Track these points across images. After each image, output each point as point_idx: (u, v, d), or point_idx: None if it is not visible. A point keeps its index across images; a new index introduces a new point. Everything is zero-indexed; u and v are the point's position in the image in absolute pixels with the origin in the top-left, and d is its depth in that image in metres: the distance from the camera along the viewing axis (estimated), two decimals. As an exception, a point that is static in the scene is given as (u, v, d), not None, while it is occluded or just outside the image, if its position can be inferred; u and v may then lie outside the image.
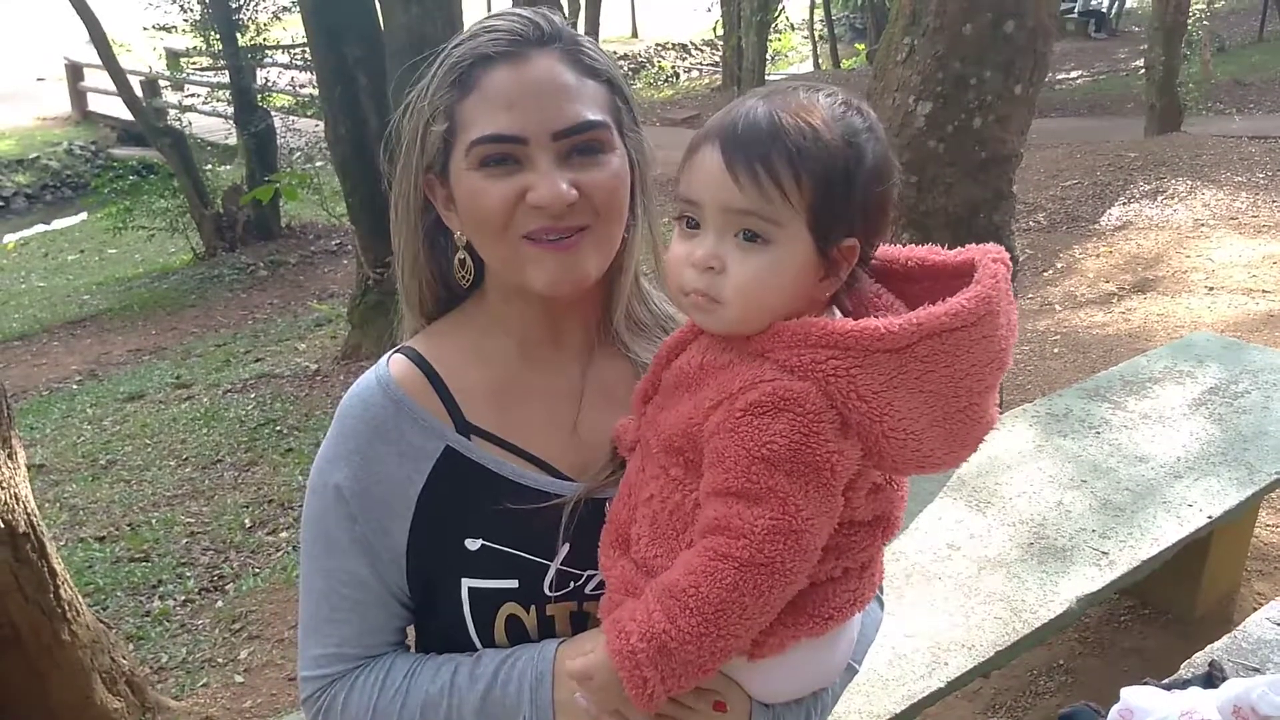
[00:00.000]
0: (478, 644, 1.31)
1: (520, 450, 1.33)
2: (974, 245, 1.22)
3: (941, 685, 2.73)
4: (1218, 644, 2.60)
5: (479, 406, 1.34)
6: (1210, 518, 3.40)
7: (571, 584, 1.30)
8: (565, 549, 1.29)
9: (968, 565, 3.22)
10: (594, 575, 1.30)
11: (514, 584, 1.29)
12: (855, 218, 1.15)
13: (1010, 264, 1.17)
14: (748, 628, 1.13)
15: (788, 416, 1.09)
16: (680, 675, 1.13)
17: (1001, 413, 4.42)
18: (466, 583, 1.29)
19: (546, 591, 1.30)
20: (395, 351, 1.37)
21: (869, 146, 1.14)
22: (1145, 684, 2.12)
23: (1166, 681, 2.22)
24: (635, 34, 32.78)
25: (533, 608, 1.30)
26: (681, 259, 1.17)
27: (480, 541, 1.29)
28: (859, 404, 1.09)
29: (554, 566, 1.29)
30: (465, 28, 1.31)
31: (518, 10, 1.28)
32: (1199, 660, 2.50)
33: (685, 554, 1.15)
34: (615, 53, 29.55)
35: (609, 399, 1.36)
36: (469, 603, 1.30)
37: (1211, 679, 2.20)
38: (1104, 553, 3.23)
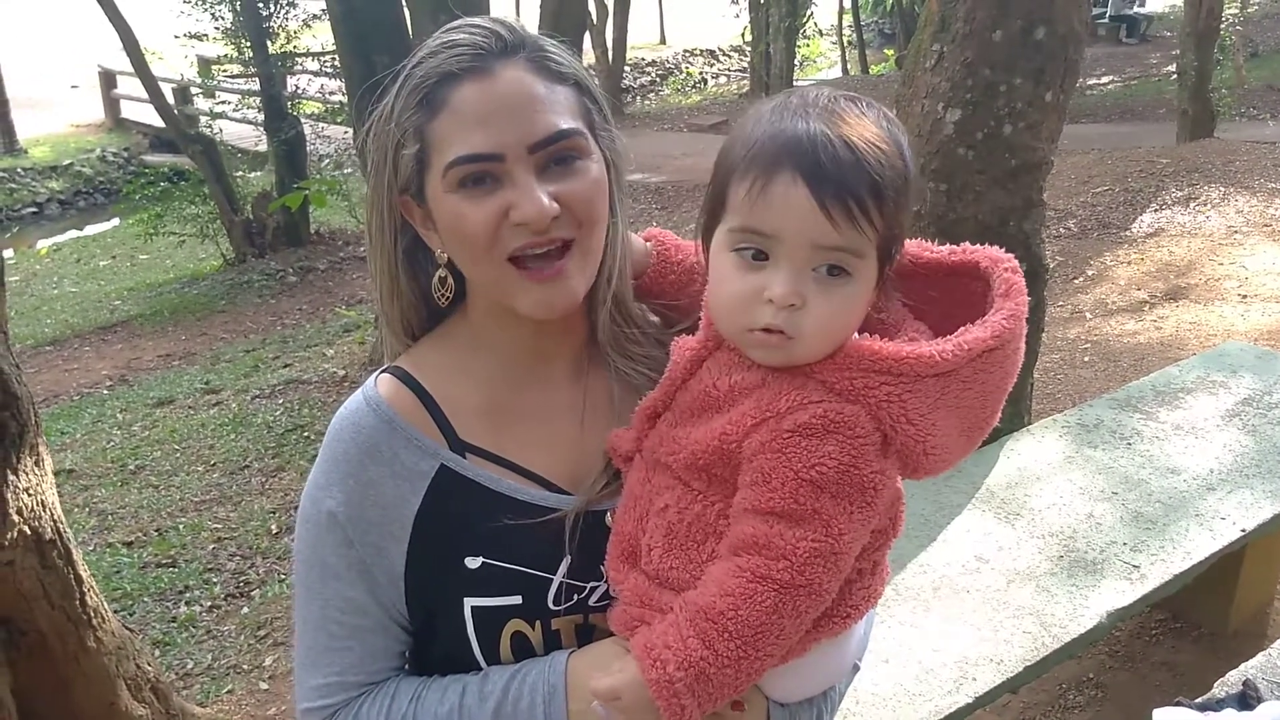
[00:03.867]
0: (483, 663, 1.29)
1: (516, 465, 1.31)
2: (973, 247, 1.24)
3: (969, 700, 2.70)
4: (1252, 662, 2.55)
5: (471, 424, 1.32)
6: (1244, 531, 3.36)
7: (575, 597, 1.29)
8: (567, 562, 1.28)
9: (996, 578, 3.18)
10: (597, 587, 1.30)
11: (518, 600, 1.27)
12: (905, 232, 1.16)
13: (1020, 271, 1.19)
14: (783, 646, 1.14)
15: (837, 439, 1.09)
16: (715, 698, 1.14)
17: (1031, 422, 4.40)
18: (469, 602, 1.27)
19: (551, 605, 1.28)
20: (382, 372, 1.35)
21: (910, 158, 1.14)
22: (1178, 704, 2.08)
23: (1199, 701, 2.18)
24: (663, 40, 32.85)
25: (538, 623, 1.28)
26: (751, 295, 1.12)
27: (481, 559, 1.27)
28: (907, 427, 1.11)
29: (557, 580, 1.28)
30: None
31: (477, 21, 1.24)
32: (1233, 679, 2.45)
33: (717, 573, 1.14)
34: (643, 59, 29.82)
35: (602, 410, 1.35)
36: (473, 622, 1.28)
37: (1246, 699, 2.16)
38: (1135, 566, 3.19)
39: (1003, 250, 1.21)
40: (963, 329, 1.12)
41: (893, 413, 1.10)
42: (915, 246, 1.26)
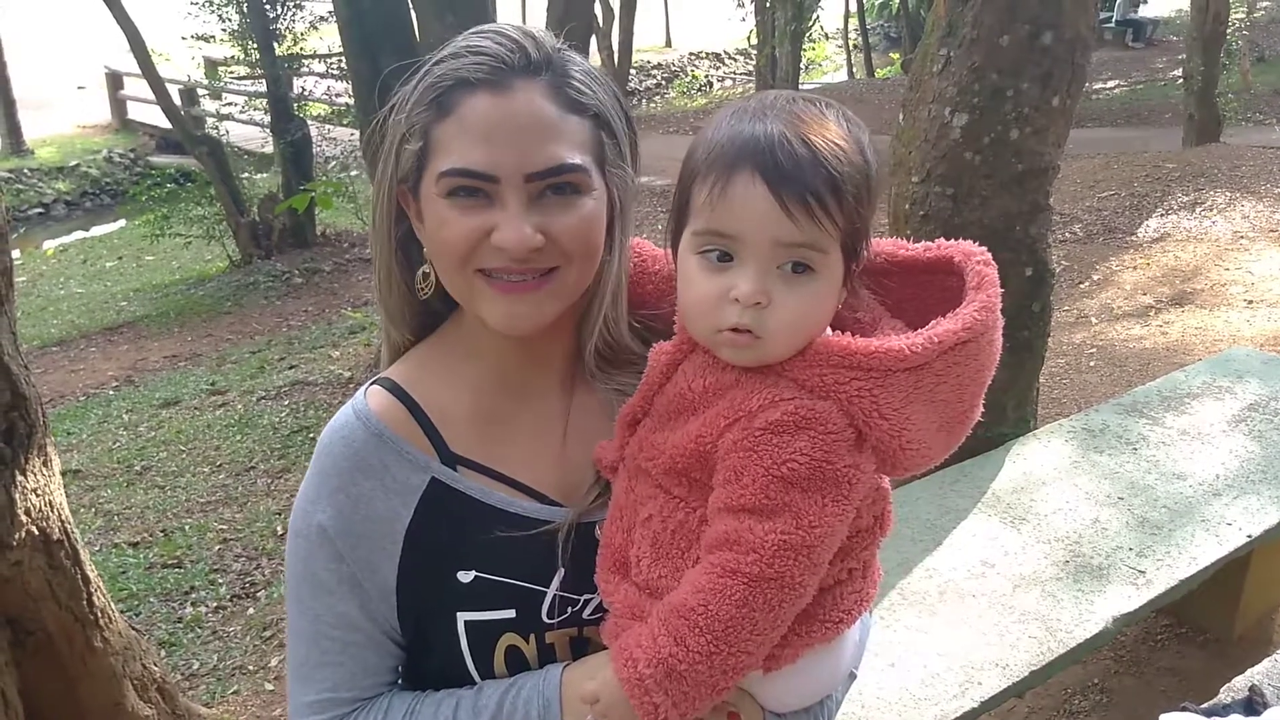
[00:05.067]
0: (477, 678, 1.28)
1: (506, 478, 1.30)
2: (948, 242, 1.24)
3: (975, 705, 2.70)
4: (1258, 668, 2.55)
5: (462, 436, 1.31)
6: (1250, 537, 3.36)
7: (569, 609, 1.28)
8: (560, 574, 1.27)
9: (1002, 583, 3.18)
10: (591, 599, 1.29)
11: (511, 614, 1.26)
12: (870, 228, 1.17)
13: (994, 263, 1.19)
14: (759, 644, 1.13)
15: (808, 435, 1.10)
16: (692, 698, 1.13)
17: (1036, 427, 4.40)
18: (462, 616, 1.26)
19: (545, 619, 1.27)
20: (372, 384, 1.34)
21: (871, 155, 1.15)
22: (1184, 709, 2.08)
23: (1205, 706, 2.18)
24: (669, 43, 32.83)
25: (532, 636, 1.28)
26: (717, 295, 1.13)
27: (473, 573, 1.26)
28: (880, 422, 1.11)
29: (551, 593, 1.27)
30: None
31: (508, 30, 1.22)
32: (1239, 684, 2.45)
33: (691, 572, 1.14)
34: (649, 62, 29.81)
35: (591, 421, 1.34)
36: (466, 636, 1.27)
37: (1252, 705, 2.16)
38: (1141, 571, 3.19)
39: (982, 247, 1.21)
40: (933, 322, 1.13)
41: (864, 408, 1.10)
42: (891, 245, 1.26)
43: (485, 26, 1.24)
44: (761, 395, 1.12)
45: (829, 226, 1.09)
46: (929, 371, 1.11)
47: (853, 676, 1.42)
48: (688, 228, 1.16)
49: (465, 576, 1.26)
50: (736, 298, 1.11)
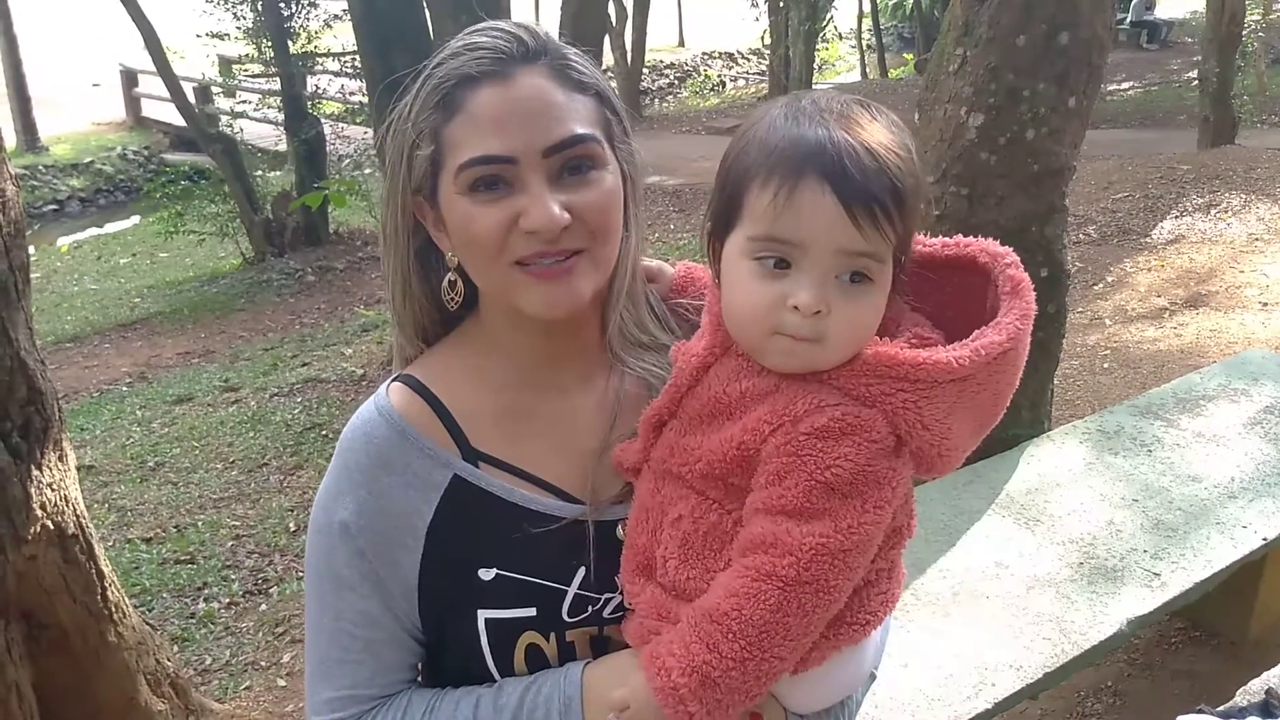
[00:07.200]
0: (497, 676, 1.28)
1: (528, 474, 1.30)
2: (966, 239, 1.23)
3: (988, 706, 2.69)
4: (1273, 671, 2.54)
5: (484, 432, 1.30)
6: (1265, 539, 3.35)
7: (590, 608, 1.28)
8: (582, 573, 1.27)
9: (1016, 584, 3.17)
10: (611, 598, 1.28)
11: (532, 612, 1.26)
12: (914, 235, 1.16)
13: (1021, 265, 1.18)
14: (792, 649, 1.12)
15: (852, 441, 1.09)
16: (726, 705, 1.12)
17: (1051, 428, 4.38)
18: (483, 614, 1.26)
19: (565, 617, 1.27)
20: (393, 380, 1.33)
21: (919, 161, 1.14)
22: (1200, 711, 2.08)
23: (1221, 709, 2.17)
24: (682, 43, 32.86)
25: (552, 635, 1.27)
26: (773, 302, 1.11)
27: (495, 571, 1.26)
28: (923, 432, 1.11)
29: (571, 591, 1.26)
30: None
31: (501, 25, 1.24)
32: (1254, 687, 2.44)
33: (724, 576, 1.13)
34: (662, 61, 29.82)
35: (615, 418, 1.33)
36: (486, 634, 1.26)
37: (1268, 708, 2.15)
38: (1155, 574, 3.18)
39: (1007, 249, 1.21)
40: (977, 333, 1.12)
41: (909, 419, 1.10)
42: None
43: (479, 25, 1.25)
44: (806, 400, 1.11)
45: (889, 235, 1.09)
46: (972, 381, 1.11)
47: (873, 677, 1.42)
48: (739, 230, 1.14)
49: (486, 574, 1.26)
50: (795, 305, 1.09)
